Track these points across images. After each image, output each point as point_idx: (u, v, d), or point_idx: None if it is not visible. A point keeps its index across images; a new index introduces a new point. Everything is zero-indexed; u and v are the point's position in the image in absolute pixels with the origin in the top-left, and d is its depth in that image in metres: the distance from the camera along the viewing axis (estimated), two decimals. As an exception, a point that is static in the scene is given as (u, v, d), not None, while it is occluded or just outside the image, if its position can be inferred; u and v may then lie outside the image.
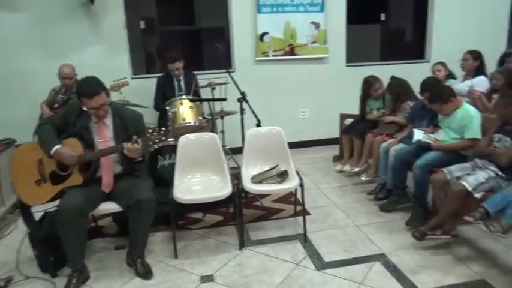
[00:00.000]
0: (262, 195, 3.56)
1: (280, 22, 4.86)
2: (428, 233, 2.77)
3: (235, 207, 3.07)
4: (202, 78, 4.28)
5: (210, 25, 5.32)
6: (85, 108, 2.48)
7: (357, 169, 4.00)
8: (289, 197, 3.54)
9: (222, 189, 2.78)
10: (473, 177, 2.62)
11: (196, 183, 2.95)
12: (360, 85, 4.14)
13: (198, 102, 3.71)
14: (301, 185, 2.87)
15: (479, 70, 4.11)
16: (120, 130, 2.57)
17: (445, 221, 2.74)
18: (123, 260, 2.68)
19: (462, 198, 2.61)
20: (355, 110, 4.32)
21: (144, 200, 2.43)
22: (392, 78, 4.00)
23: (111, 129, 2.58)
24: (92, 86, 2.44)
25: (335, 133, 4.72)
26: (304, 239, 2.93)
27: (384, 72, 4.24)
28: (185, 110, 3.63)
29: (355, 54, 5.28)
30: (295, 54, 5.00)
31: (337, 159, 4.54)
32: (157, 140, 2.41)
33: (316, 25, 4.97)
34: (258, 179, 2.94)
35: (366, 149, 3.89)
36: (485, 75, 4.11)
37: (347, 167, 4.13)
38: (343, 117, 4.47)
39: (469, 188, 2.57)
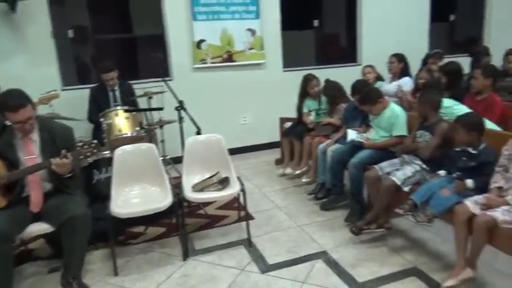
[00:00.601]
0: (206, 203, 3.54)
1: (216, 29, 4.88)
2: (364, 227, 2.93)
3: (177, 217, 3.02)
4: (139, 87, 4.16)
5: (146, 33, 5.20)
6: (9, 123, 2.32)
7: (298, 171, 4.11)
8: (233, 203, 3.55)
9: (162, 200, 2.72)
10: (401, 172, 2.82)
11: (135, 196, 2.86)
12: (299, 87, 4.27)
13: (134, 113, 3.61)
14: (243, 190, 2.90)
15: (404, 71, 4.42)
16: (48, 145, 2.43)
17: (379, 215, 2.90)
18: (58, 283, 2.51)
19: (392, 193, 2.79)
20: (294, 113, 4.44)
21: (77, 216, 2.30)
22: (327, 81, 4.17)
23: (39, 144, 2.43)
24: (16, 99, 2.29)
25: (276, 137, 4.82)
26: (248, 243, 2.95)
27: (320, 75, 4.41)
28: (121, 121, 3.51)
29: (291, 59, 5.44)
30: (233, 61, 5.04)
31: (279, 162, 4.63)
32: (88, 154, 2.31)
33: (253, 32, 5.06)
34: (199, 187, 2.92)
35: (305, 151, 4.01)
36: (410, 76, 4.43)
37: (288, 170, 4.23)
38: (283, 120, 4.58)
39: (398, 183, 2.76)
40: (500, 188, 2.31)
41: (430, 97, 2.89)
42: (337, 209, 3.45)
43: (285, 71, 5.33)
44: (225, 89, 5.07)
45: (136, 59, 5.24)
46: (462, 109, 3.05)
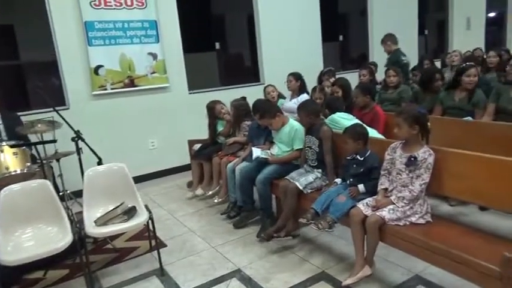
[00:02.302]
0: (114, 236, 3.35)
1: (114, 54, 4.72)
2: (274, 235, 3.06)
3: (80, 256, 2.80)
4: (29, 118, 3.83)
5: (37, 59, 4.82)
6: None
7: (210, 192, 4.12)
8: (143, 233, 3.41)
9: (60, 240, 2.50)
10: (303, 178, 3.07)
11: (27, 239, 2.59)
12: (205, 110, 4.31)
13: (23, 147, 3.30)
14: (151, 218, 2.81)
15: (302, 89, 4.73)
16: None
17: (288, 219, 3.05)
18: None
19: (297, 196, 3.00)
20: (202, 135, 4.47)
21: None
22: (233, 100, 4.28)
23: None
24: None
25: (187, 159, 4.78)
26: (161, 272, 2.85)
27: (226, 96, 4.53)
28: (7, 158, 3.18)
29: (197, 82, 5.48)
30: (135, 86, 4.92)
31: (191, 185, 4.58)
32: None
33: (154, 56, 5.00)
34: (102, 220, 2.75)
35: (215, 171, 4.04)
36: (307, 93, 4.75)
37: (199, 191, 4.21)
38: (191, 143, 4.56)
39: (300, 187, 2.99)
40: (386, 190, 2.58)
41: (310, 107, 3.15)
42: (250, 226, 3.51)
43: (190, 93, 5.35)
44: (129, 115, 4.91)
45: (26, 87, 4.82)
46: (352, 121, 3.37)
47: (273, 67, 5.91)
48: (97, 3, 4.59)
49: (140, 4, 4.86)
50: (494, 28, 9.57)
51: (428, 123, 2.48)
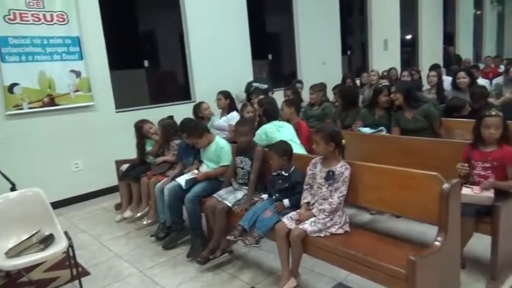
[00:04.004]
0: (30, 268, 3.09)
1: (32, 72, 4.44)
2: (210, 257, 3.04)
3: (-12, 293, 2.56)
4: None
5: None
6: None
7: (139, 214, 3.99)
8: (64, 262, 3.19)
9: (-37, 276, 2.27)
10: (232, 196, 3.10)
11: None
12: (133, 130, 4.21)
13: None
14: (71, 245, 2.65)
15: (231, 107, 4.82)
16: None
17: (221, 240, 3.05)
18: None
19: (225, 214, 3.02)
20: (130, 155, 4.33)
21: None
22: (160, 120, 4.22)
23: None
24: None
25: (114, 181, 4.59)
26: (83, 303, 2.70)
27: (156, 114, 4.47)
28: None
29: (125, 100, 5.33)
30: (56, 105, 4.65)
31: (119, 207, 4.41)
32: None
33: (77, 73, 4.79)
34: (15, 251, 2.55)
35: (144, 192, 3.93)
36: (237, 111, 4.85)
37: (128, 213, 4.07)
38: (119, 163, 4.40)
39: (229, 205, 3.02)
40: (308, 203, 2.70)
41: (244, 126, 3.20)
42: (180, 246, 3.45)
43: (118, 112, 5.18)
44: (49, 136, 4.62)
45: None
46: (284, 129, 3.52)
47: (203, 85, 5.93)
48: (12, 17, 4.31)
49: (61, 20, 4.65)
50: (408, 49, 10.55)
51: (343, 141, 2.65)
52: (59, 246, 2.61)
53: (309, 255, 2.55)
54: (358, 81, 7.06)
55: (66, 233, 2.74)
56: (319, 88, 4.97)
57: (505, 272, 2.60)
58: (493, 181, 2.57)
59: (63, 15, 4.66)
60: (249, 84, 6.04)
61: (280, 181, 2.90)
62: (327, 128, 2.67)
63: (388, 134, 3.83)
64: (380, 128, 3.84)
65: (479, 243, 2.62)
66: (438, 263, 2.12)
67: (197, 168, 3.50)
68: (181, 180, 3.38)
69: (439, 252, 2.08)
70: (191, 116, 4.73)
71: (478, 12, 12.78)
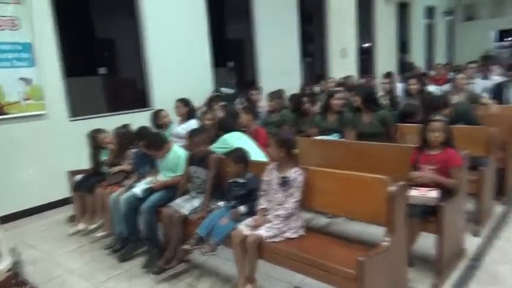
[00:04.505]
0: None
1: (-22, 79, 4.23)
2: (166, 266, 2.99)
3: None
4: None
5: None
6: None
7: (93, 226, 3.86)
8: (10, 280, 3.01)
9: None
10: (189, 205, 3.08)
11: None
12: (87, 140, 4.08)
13: None
14: (17, 262, 2.53)
15: (190, 114, 4.79)
16: None
17: (177, 249, 3.01)
18: None
19: (182, 223, 3.00)
20: (85, 165, 4.20)
21: None
22: (115, 129, 4.12)
23: None
24: None
25: (68, 192, 4.41)
26: (30, 322, 2.57)
27: (112, 122, 4.35)
28: None
29: (80, 108, 5.16)
30: (5, 114, 4.43)
31: (73, 219, 4.24)
32: None
33: (28, 81, 4.59)
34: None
35: (98, 203, 3.81)
36: (196, 118, 4.82)
37: (82, 226, 3.92)
38: (72, 174, 4.24)
39: (186, 213, 3.00)
40: (265, 209, 2.72)
41: (198, 136, 3.18)
42: (136, 257, 3.37)
43: (71, 120, 5.00)
44: (-2, 146, 4.39)
45: None
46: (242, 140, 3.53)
47: (162, 92, 5.85)
48: (-44, 22, 4.09)
49: (11, 25, 4.46)
50: (366, 57, 10.93)
51: (295, 150, 2.66)
52: (2, 264, 2.48)
53: (265, 261, 2.57)
54: (317, 88, 7.23)
55: (12, 250, 2.61)
56: (277, 95, 5.06)
57: (449, 268, 2.74)
58: (430, 174, 2.70)
59: (14, 20, 4.47)
60: (217, 90, 6.04)
61: (236, 188, 2.91)
62: (281, 134, 2.72)
63: (342, 140, 3.94)
64: (334, 135, 3.95)
65: (427, 242, 2.75)
66: (386, 263, 2.21)
67: (154, 177, 3.44)
68: (138, 189, 3.31)
69: (386, 252, 2.17)
70: (150, 124, 4.67)
71: (430, 22, 13.46)
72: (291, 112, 4.83)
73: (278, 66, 7.69)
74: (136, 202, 3.29)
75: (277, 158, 2.66)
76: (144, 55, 5.83)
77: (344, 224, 3.58)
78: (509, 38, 15.04)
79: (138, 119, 4.58)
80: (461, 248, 2.96)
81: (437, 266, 2.67)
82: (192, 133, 3.25)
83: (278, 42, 7.74)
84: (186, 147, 3.39)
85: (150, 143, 3.38)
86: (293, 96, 5.20)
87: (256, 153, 3.38)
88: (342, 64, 9.52)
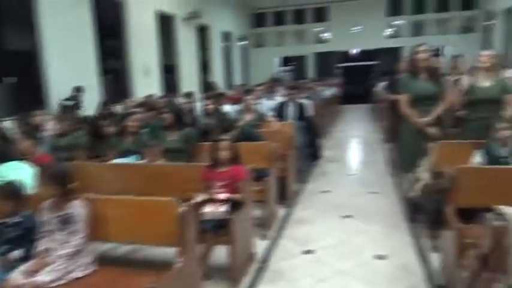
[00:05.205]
0: None
1: None
2: None
3: None
4: None
5: None
6: None
7: None
8: None
9: None
10: None
11: None
12: None
13: None
14: None
15: None
16: None
17: None
18: None
19: None
20: None
21: None
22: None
23: None
24: None
25: None
26: None
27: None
28: None
29: None
30: None
31: None
32: None
33: None
34: None
35: None
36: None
37: None
38: None
39: None
40: (46, 250, 2.37)
41: None
42: None
43: None
44: None
45: None
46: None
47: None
48: None
49: None
50: (171, 76, 11.13)
51: (70, 185, 2.41)
52: None
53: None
54: (120, 107, 6.90)
55: None
56: (69, 116, 4.57)
57: (242, 273, 3.00)
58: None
59: None
60: None
61: (10, 229, 2.44)
62: (53, 168, 2.43)
63: (140, 162, 3.86)
64: (132, 157, 3.84)
65: (221, 253, 2.92)
66: (180, 283, 2.23)
67: None
68: None
69: (179, 273, 2.19)
70: None
71: (227, 45, 14.81)
72: (85, 135, 4.43)
73: (73, 83, 6.97)
74: None
75: (51, 195, 2.36)
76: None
77: (146, 249, 3.47)
78: (291, 63, 18.10)
79: None
80: (252, 253, 3.28)
81: (231, 274, 2.87)
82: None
83: (72, 58, 7.06)
84: None
85: None
86: (92, 120, 4.80)
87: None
88: (145, 82, 9.44)
